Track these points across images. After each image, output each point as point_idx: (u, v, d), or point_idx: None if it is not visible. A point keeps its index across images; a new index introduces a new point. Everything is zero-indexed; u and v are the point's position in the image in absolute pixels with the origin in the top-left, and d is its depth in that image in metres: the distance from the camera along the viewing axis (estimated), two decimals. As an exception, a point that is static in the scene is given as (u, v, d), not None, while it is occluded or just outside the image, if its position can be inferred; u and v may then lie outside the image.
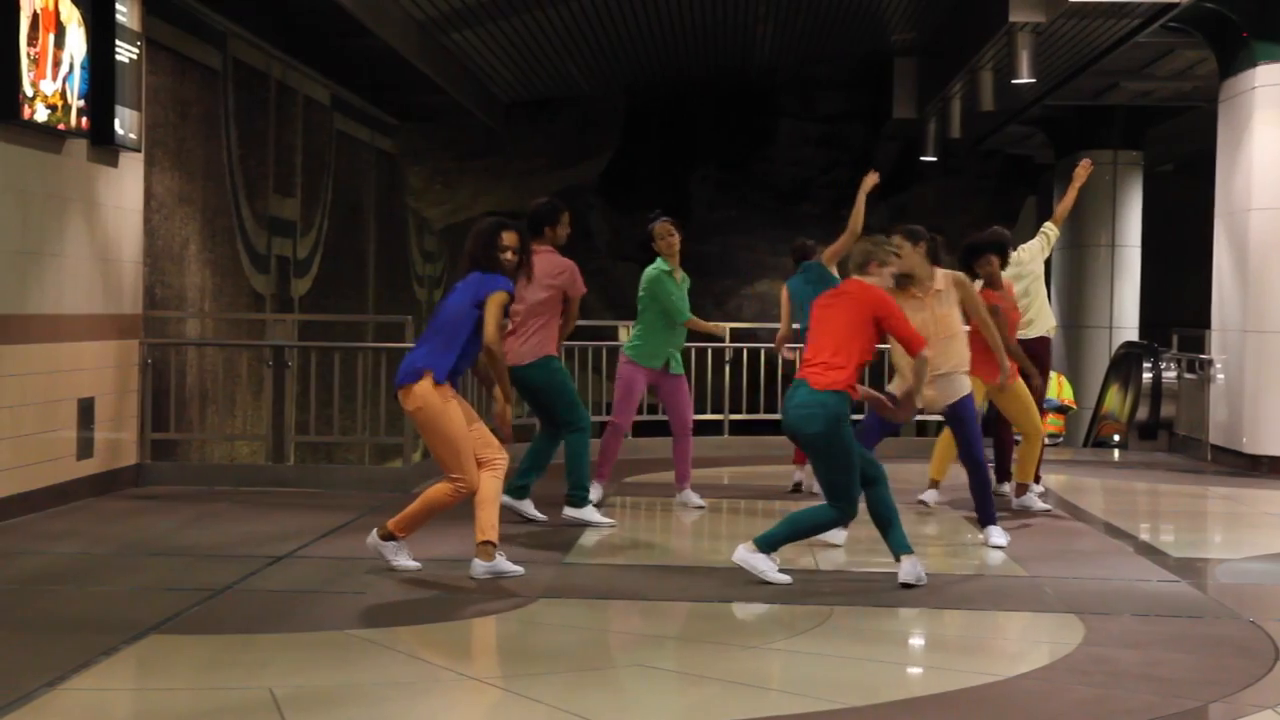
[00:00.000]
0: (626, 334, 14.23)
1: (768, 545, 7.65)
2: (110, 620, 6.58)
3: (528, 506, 9.51)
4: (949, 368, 8.82)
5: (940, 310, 8.89)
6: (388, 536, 7.80)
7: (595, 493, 9.97)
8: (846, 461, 7.55)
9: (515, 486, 9.38)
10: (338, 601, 7.22)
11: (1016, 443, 10.69)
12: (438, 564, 8.21)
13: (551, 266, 9.23)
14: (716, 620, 7.07)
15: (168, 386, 11.58)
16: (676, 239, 9.98)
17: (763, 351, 14.09)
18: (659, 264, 10.00)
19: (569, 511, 9.43)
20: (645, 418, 14.51)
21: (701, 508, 10.28)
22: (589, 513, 9.44)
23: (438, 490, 7.75)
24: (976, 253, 10.04)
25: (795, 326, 10.85)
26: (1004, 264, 10.16)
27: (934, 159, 21.11)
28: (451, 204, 20.46)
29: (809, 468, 10.98)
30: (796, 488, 10.95)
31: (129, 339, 10.91)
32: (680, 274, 10.07)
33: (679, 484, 10.39)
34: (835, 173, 23.51)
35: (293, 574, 7.84)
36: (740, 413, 14.77)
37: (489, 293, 7.63)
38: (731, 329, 15.35)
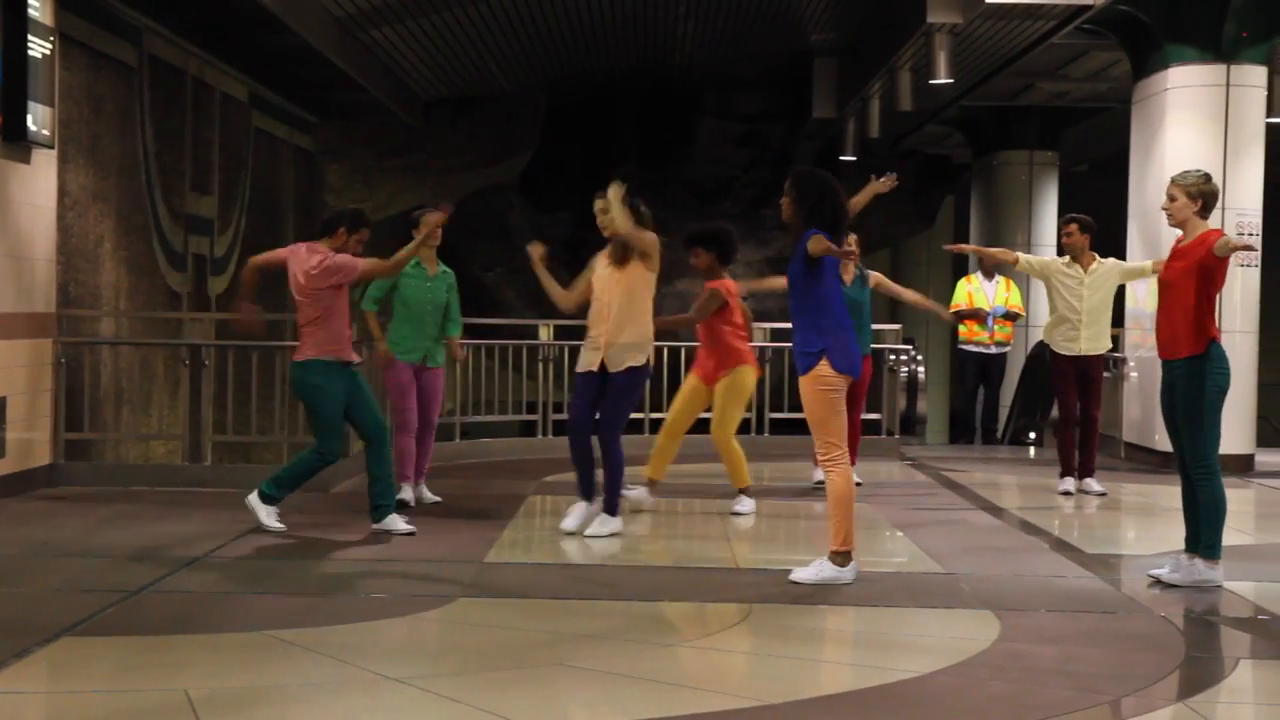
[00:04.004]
0: (547, 333, 14.26)
1: (1211, 549, 7.74)
2: (22, 622, 6.50)
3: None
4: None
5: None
6: (843, 557, 7.74)
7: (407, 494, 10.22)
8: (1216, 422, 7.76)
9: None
10: (255, 603, 7.17)
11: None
12: (356, 564, 8.17)
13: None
14: (636, 618, 7.08)
15: (82, 385, 11.45)
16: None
17: (682, 350, 14.10)
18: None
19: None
20: (565, 416, 14.53)
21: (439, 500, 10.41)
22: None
23: (831, 484, 7.73)
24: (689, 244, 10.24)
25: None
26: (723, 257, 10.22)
27: (853, 158, 21.21)
28: (371, 202, 20.32)
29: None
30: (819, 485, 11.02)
31: (42, 338, 10.78)
32: (435, 267, 10.27)
33: (420, 478, 10.47)
34: (756, 172, 23.57)
35: (210, 575, 7.78)
36: (661, 411, 14.78)
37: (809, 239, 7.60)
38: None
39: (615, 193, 8.89)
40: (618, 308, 9.05)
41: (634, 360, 9.08)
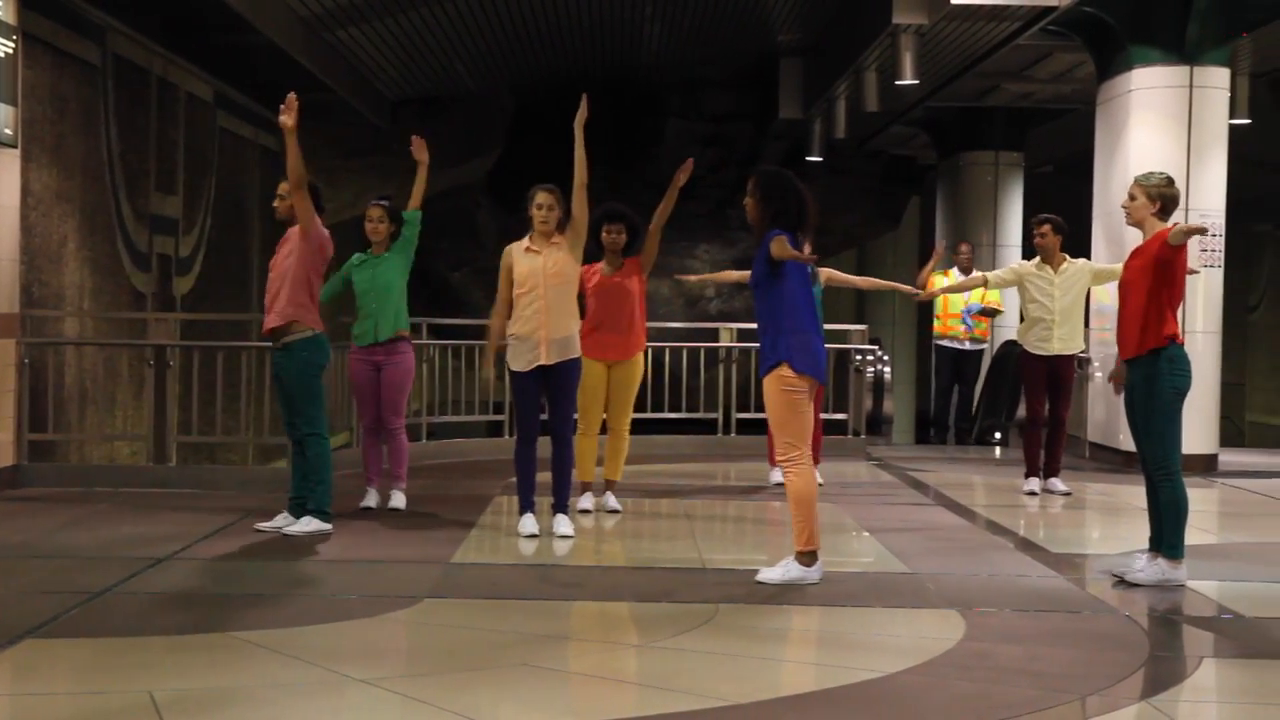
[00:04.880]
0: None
1: (1174, 549, 7.82)
2: (-14, 625, 6.46)
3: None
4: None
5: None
6: (809, 556, 7.72)
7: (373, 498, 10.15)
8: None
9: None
10: (220, 604, 7.14)
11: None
12: (322, 564, 8.15)
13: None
14: (602, 619, 7.08)
15: (46, 386, 11.39)
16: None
17: (649, 351, 14.09)
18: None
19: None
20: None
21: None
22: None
23: (791, 485, 7.71)
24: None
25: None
26: (630, 239, 10.10)
27: (820, 159, 21.27)
28: (336, 202, 20.24)
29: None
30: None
31: (6, 338, 10.72)
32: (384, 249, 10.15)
33: (377, 481, 10.32)
34: (723, 173, 23.60)
35: (174, 576, 7.75)
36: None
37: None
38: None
39: (583, 117, 8.93)
40: (554, 300, 8.99)
41: (575, 351, 9.08)
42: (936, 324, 16.47)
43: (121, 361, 13.06)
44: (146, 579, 7.61)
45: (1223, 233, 13.65)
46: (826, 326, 11.84)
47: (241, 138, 17.55)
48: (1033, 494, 11.51)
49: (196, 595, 7.33)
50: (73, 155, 12.52)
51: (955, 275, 15.96)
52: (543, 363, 8.96)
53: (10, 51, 10.27)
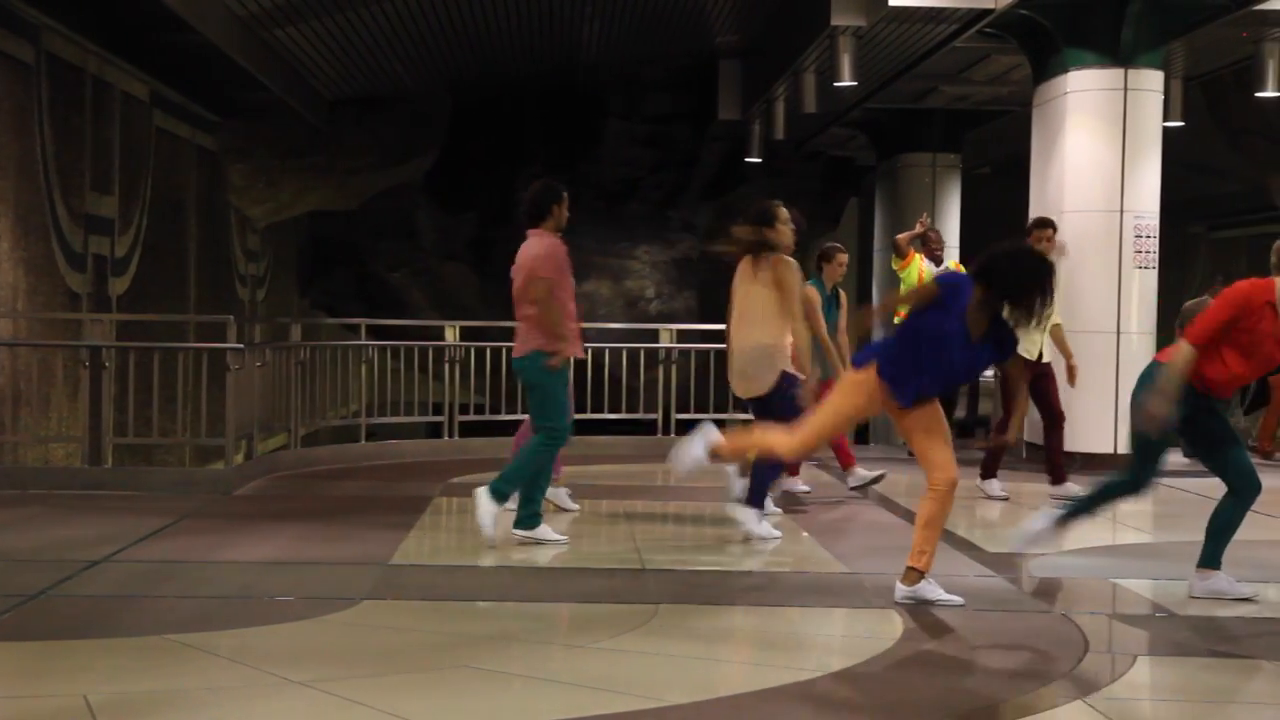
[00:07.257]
0: (453, 334, 14.18)
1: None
2: (-83, 629, 6.39)
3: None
4: None
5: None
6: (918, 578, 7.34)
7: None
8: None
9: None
10: (157, 606, 7.09)
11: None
12: (259, 566, 8.11)
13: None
14: (542, 620, 7.07)
15: (-21, 388, 11.28)
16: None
17: (589, 351, 14.09)
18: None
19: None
20: (472, 418, 14.49)
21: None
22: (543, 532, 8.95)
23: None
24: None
25: None
26: None
27: (759, 160, 21.32)
28: (274, 202, 20.19)
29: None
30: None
31: (-62, 339, 10.61)
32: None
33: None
34: (662, 173, 23.63)
35: (110, 579, 7.69)
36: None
37: None
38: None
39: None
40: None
41: None
42: (902, 309, 15.75)
43: (56, 363, 12.94)
44: (81, 581, 7.55)
45: (1157, 234, 13.77)
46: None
47: (178, 137, 17.42)
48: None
49: (133, 598, 7.27)
50: (6, 155, 12.40)
51: (927, 264, 15.39)
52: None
53: (-58, 49, 10.17)
